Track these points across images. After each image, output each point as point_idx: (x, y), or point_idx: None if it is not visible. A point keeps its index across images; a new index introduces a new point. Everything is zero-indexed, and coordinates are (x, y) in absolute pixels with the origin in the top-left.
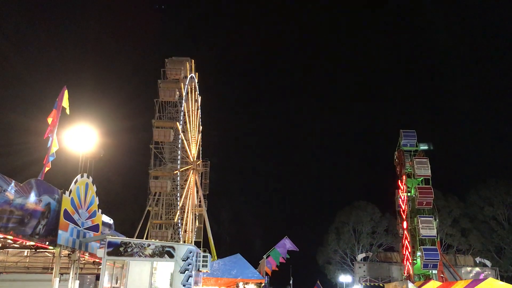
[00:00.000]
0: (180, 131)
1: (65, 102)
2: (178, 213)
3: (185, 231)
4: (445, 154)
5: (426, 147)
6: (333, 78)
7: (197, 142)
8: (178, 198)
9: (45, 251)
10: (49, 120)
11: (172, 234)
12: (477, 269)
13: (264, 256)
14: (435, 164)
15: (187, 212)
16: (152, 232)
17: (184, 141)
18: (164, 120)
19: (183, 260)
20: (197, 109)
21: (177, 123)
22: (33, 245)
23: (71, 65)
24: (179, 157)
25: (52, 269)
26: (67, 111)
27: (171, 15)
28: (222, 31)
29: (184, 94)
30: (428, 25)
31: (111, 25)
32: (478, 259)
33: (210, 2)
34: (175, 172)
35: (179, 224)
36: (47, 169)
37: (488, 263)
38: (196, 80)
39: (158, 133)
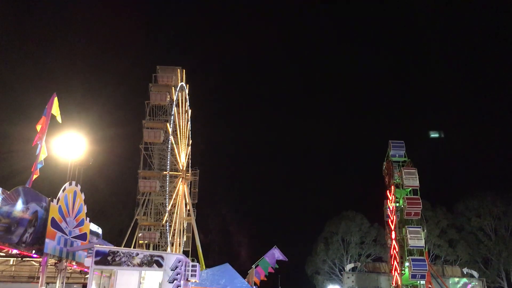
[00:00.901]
0: (170, 134)
1: (56, 110)
2: (166, 216)
3: (172, 244)
4: (434, 165)
5: (437, 135)
6: (321, 87)
7: (186, 154)
8: (167, 201)
9: (31, 260)
10: (38, 127)
11: (159, 238)
12: (465, 279)
13: (253, 266)
14: (424, 175)
15: (175, 220)
16: (140, 234)
17: (174, 145)
18: (154, 121)
19: (172, 270)
20: (187, 122)
21: (168, 124)
22: (19, 254)
23: (60, 72)
24: (168, 158)
25: (38, 278)
26: (59, 119)
27: (159, 24)
28: (209, 40)
29: (174, 98)
30: (416, 37)
31: (100, 33)
32: (465, 270)
33: (197, 13)
34: (164, 173)
35: (167, 227)
36: (35, 176)
37: (475, 274)
38: (187, 92)
39: (148, 134)
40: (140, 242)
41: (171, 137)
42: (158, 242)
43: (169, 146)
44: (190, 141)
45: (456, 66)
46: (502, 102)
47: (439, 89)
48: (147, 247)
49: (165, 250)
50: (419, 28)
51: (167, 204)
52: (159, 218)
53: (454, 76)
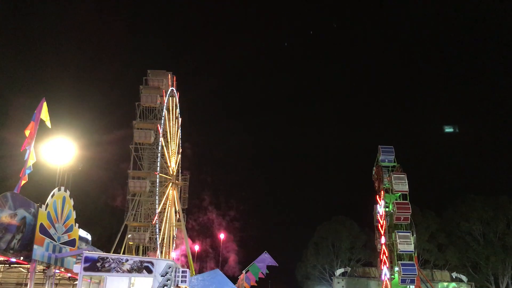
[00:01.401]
0: (161, 134)
1: (45, 115)
2: (156, 217)
3: (162, 251)
4: (422, 170)
5: (451, 130)
6: (312, 95)
7: (176, 161)
8: (157, 201)
9: (19, 267)
10: (27, 132)
11: (150, 237)
12: (454, 284)
13: (244, 271)
14: (413, 180)
15: (165, 225)
16: (129, 235)
17: (164, 148)
18: (145, 122)
19: (162, 276)
20: (177, 129)
21: (158, 125)
22: (6, 260)
23: (49, 77)
24: (158, 159)
25: (26, 285)
26: (48, 124)
27: (149, 30)
28: (201, 45)
29: (165, 101)
30: (405, 45)
31: (90, 37)
32: (454, 274)
33: (187, 20)
34: (155, 173)
35: (157, 230)
36: (23, 182)
37: (464, 278)
38: (177, 99)
39: (139, 134)
40: (130, 243)
41: (161, 139)
42: (148, 244)
43: (160, 145)
44: (181, 150)
45: (446, 72)
46: (491, 107)
47: (430, 94)
48: (137, 250)
49: (154, 251)
50: (405, 37)
51: (157, 205)
52: (149, 221)
53: (443, 80)
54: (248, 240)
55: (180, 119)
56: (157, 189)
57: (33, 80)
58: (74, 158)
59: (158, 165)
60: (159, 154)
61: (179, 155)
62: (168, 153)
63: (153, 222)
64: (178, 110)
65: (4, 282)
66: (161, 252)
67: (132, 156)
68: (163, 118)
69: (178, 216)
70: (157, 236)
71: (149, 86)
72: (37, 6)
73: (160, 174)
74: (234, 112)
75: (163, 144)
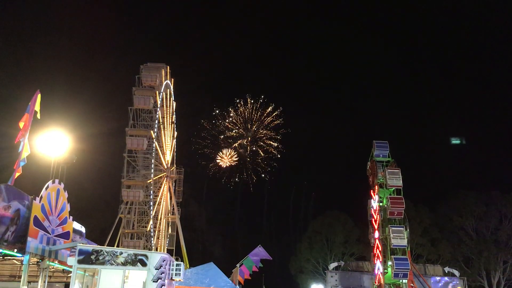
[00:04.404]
0: (154, 140)
1: (37, 106)
2: (151, 222)
3: (158, 237)
4: (417, 165)
5: (458, 141)
6: (307, 86)
7: (171, 148)
8: (151, 207)
9: (13, 259)
10: (21, 124)
11: (144, 243)
12: (446, 278)
13: (237, 265)
14: (407, 175)
15: (160, 219)
16: (124, 242)
17: (158, 149)
18: (137, 129)
19: (156, 269)
20: (172, 114)
21: (151, 131)
22: (0, 252)
23: (43, 69)
24: (152, 165)
25: (20, 277)
26: (38, 115)
27: (144, 20)
28: (195, 37)
29: (159, 101)
30: (401, 43)
31: (84, 28)
32: (447, 269)
33: (183, 9)
34: (148, 181)
35: (152, 234)
36: (17, 174)
37: (456, 273)
38: (172, 87)
39: (131, 142)
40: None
41: (155, 143)
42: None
43: (153, 152)
44: (176, 134)
45: (442, 68)
46: (483, 102)
47: (424, 88)
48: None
49: (148, 213)
50: (402, 37)
51: (151, 211)
52: (143, 219)
53: (439, 76)
54: (243, 233)
55: (174, 105)
56: (151, 195)
57: (26, 72)
58: (68, 151)
59: (152, 171)
60: (153, 160)
61: (174, 140)
62: (162, 148)
63: (148, 229)
64: (172, 98)
65: None
66: (157, 238)
67: (125, 163)
68: (156, 120)
69: (172, 208)
70: (152, 238)
71: (141, 88)
72: None
73: (153, 179)
74: (229, 105)
75: (157, 147)
